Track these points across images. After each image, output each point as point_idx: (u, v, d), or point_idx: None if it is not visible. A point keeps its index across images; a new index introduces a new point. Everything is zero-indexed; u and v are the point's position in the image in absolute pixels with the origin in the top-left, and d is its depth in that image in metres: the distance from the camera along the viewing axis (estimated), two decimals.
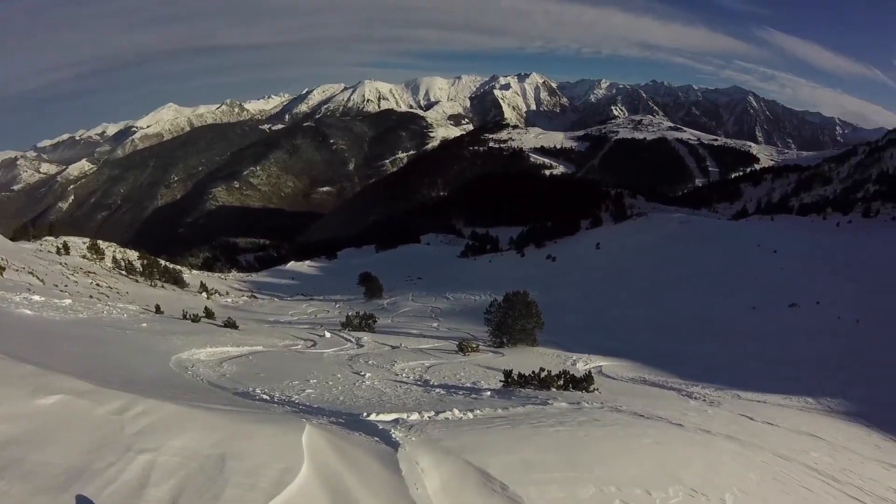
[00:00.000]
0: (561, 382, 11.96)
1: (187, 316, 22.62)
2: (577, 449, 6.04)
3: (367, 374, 12.38)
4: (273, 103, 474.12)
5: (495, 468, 4.98)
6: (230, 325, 21.54)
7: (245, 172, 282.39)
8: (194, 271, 57.15)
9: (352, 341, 20.54)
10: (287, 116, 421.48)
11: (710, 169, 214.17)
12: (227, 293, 44.21)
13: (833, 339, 24.08)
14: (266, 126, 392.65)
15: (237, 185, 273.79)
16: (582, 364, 19.05)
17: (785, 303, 30.18)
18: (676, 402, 12.59)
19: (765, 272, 37.26)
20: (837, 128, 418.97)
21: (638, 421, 8.35)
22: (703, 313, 30.51)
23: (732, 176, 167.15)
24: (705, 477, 6.00)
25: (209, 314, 24.82)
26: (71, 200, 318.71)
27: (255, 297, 44.37)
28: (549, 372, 12.06)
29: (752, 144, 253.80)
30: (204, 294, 40.03)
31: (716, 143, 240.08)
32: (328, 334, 21.98)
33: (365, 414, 6.92)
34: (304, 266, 69.18)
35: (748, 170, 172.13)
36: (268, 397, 8.84)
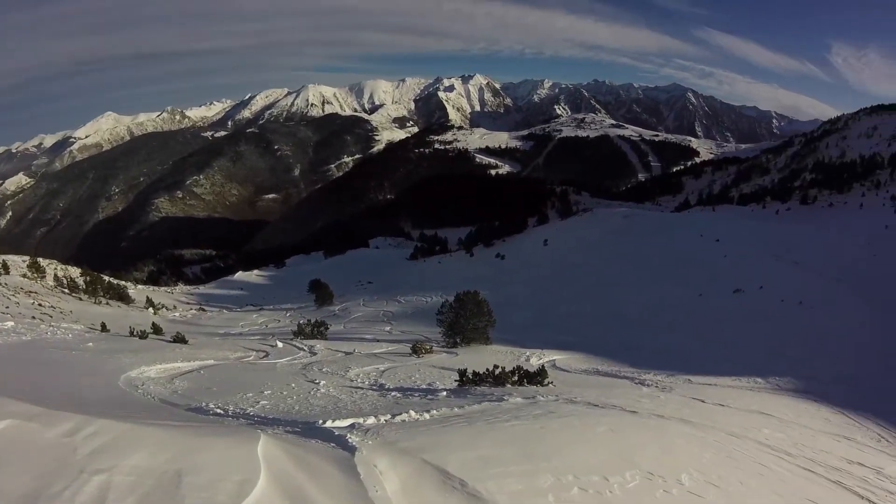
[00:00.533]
0: (515, 378, 12.05)
1: (134, 333, 22.04)
2: (533, 441, 6.07)
3: (322, 382, 12.24)
4: (215, 110, 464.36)
5: (453, 465, 4.97)
6: (179, 339, 21.06)
7: (188, 182, 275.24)
8: (139, 286, 55.72)
9: (305, 350, 20.29)
10: (230, 123, 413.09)
11: (652, 164, 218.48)
12: (175, 307, 43.21)
13: (778, 322, 24.86)
14: (209, 133, 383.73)
15: (180, 195, 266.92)
16: (535, 359, 19.20)
17: (730, 289, 31.00)
18: (630, 390, 12.79)
19: (709, 261, 38.24)
20: (774, 121, 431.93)
21: (592, 410, 8.44)
22: (651, 303, 31.12)
23: (674, 170, 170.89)
24: (661, 460, 6.08)
25: (157, 330, 24.20)
26: (9, 217, 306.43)
27: (203, 309, 43.46)
28: (504, 369, 12.14)
29: (692, 139, 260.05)
30: (151, 309, 38.99)
31: (657, 139, 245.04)
32: (280, 344, 21.68)
33: (321, 421, 6.86)
34: (253, 276, 68.11)
35: (689, 163, 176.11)
36: (222, 411, 8.70)
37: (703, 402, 11.30)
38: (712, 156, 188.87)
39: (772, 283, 30.74)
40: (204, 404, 9.30)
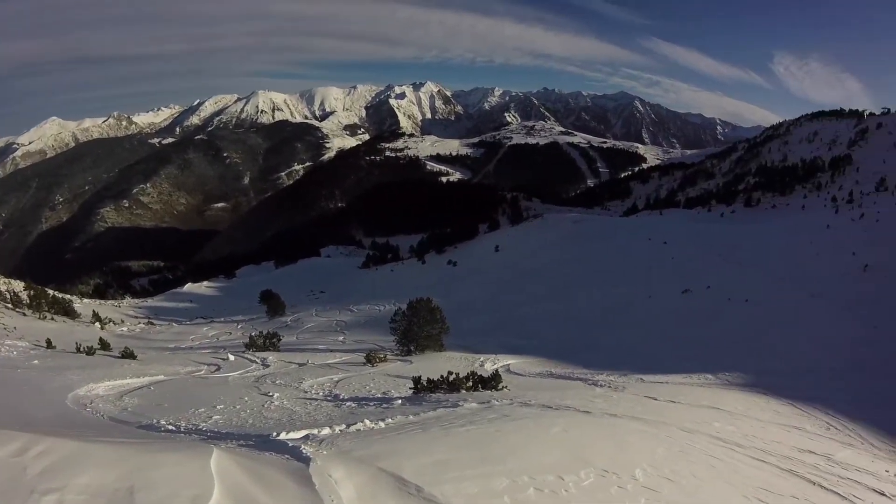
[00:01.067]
0: (470, 384, 12.04)
1: (81, 349, 21.32)
2: (488, 445, 6.12)
3: (276, 395, 12.04)
4: (163, 116, 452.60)
5: (409, 472, 4.98)
6: (128, 355, 20.46)
7: (135, 190, 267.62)
8: (86, 300, 53.88)
9: (257, 362, 19.94)
10: (178, 129, 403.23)
11: (600, 170, 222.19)
12: (123, 321, 41.98)
13: (725, 319, 25.51)
14: (156, 140, 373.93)
15: (127, 205, 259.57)
16: (490, 364, 19.24)
17: (678, 289, 31.63)
18: (583, 391, 12.89)
19: (657, 263, 39.03)
20: (718, 127, 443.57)
21: (547, 412, 8.50)
22: (602, 305, 31.58)
23: (622, 175, 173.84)
24: (615, 457, 6.16)
25: (105, 345, 23.46)
26: None
27: (152, 323, 42.29)
28: (458, 375, 12.11)
29: (640, 145, 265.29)
30: (98, 324, 37.79)
31: (605, 146, 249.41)
32: (232, 357, 21.24)
33: (275, 434, 6.82)
34: (202, 287, 66.75)
35: (636, 169, 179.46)
36: (174, 428, 8.53)
37: (655, 399, 11.46)
38: (659, 161, 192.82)
39: (719, 283, 31.50)
40: (155, 421, 9.12)
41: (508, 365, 19.38)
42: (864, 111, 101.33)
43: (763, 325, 23.72)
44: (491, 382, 12.24)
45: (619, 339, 24.38)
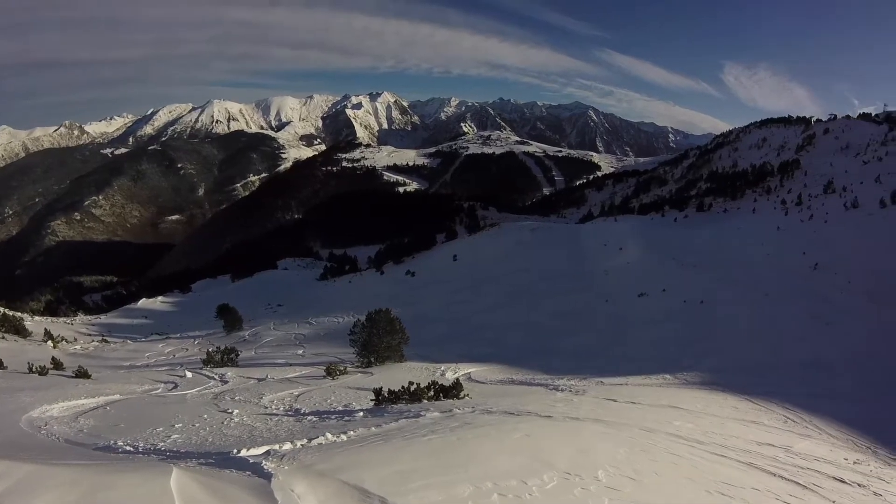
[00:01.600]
0: (431, 393, 12.04)
1: (34, 369, 20.73)
2: (451, 453, 6.14)
3: (235, 411, 11.85)
4: (116, 125, 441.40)
5: (371, 483, 4.97)
6: (82, 374, 19.94)
7: (87, 202, 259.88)
8: (37, 317, 52.27)
9: (215, 378, 19.58)
10: (131, 139, 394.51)
11: (556, 178, 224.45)
12: (76, 339, 40.83)
13: (681, 321, 26.02)
14: (108, 150, 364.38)
15: (78, 217, 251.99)
16: (451, 373, 19.20)
17: (634, 293, 32.15)
18: (544, 396, 12.95)
19: (614, 268, 39.65)
20: (670, 135, 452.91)
21: (508, 419, 8.56)
22: (561, 311, 31.89)
23: (577, 183, 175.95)
24: (577, 460, 6.20)
25: (58, 365, 22.85)
26: None
27: (106, 341, 41.22)
28: (419, 385, 12.11)
29: (594, 154, 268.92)
30: (50, 343, 36.66)
31: (560, 155, 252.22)
32: (189, 374, 20.83)
33: (235, 451, 6.71)
34: (157, 302, 65.36)
35: (591, 177, 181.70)
36: (132, 448, 8.36)
37: (615, 401, 11.60)
38: (613, 169, 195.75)
39: (674, 286, 32.11)
40: (112, 442, 8.94)
41: (469, 373, 19.39)
42: (811, 118, 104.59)
43: (719, 325, 24.30)
44: (452, 391, 12.25)
45: (578, 344, 24.66)
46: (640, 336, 24.52)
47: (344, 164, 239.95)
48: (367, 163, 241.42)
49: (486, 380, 18.00)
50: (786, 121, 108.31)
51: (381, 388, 12.15)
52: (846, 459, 8.93)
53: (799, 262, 34.00)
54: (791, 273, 32.21)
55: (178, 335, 42.66)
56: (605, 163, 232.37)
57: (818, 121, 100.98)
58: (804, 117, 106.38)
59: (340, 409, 12.04)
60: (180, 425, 10.45)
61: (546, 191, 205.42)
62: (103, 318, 57.05)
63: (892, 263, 31.11)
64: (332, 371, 19.14)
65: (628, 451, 6.85)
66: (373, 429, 7.97)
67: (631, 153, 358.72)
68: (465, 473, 5.41)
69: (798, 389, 14.39)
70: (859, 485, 7.46)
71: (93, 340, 41.35)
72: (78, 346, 37.71)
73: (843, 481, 7.49)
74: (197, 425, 10.44)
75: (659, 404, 11.51)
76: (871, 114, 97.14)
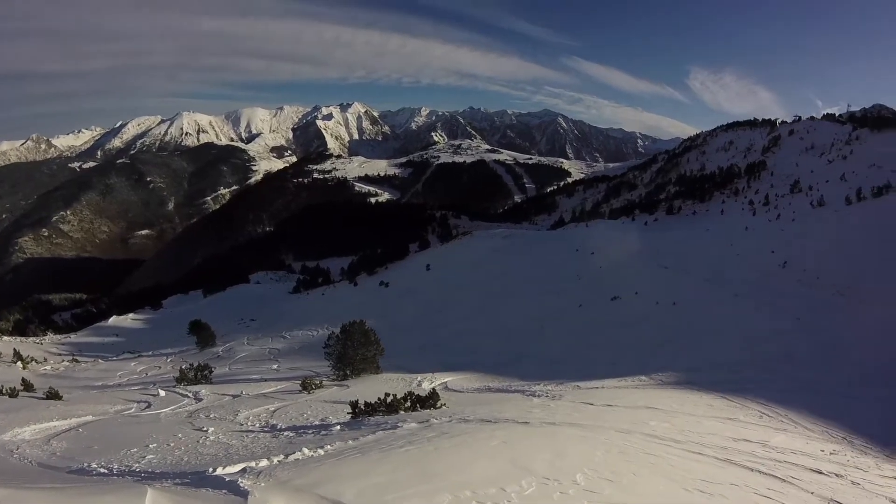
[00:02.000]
0: (408, 404, 12.00)
1: (3, 391, 20.24)
2: (429, 463, 6.15)
3: (210, 429, 11.66)
4: (84, 138, 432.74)
5: (349, 496, 4.96)
6: (53, 396, 19.50)
7: (55, 218, 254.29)
8: (6, 338, 51.13)
9: (189, 396, 19.26)
10: (99, 153, 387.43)
11: (527, 185, 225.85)
12: (46, 359, 39.98)
13: (654, 322, 26.30)
14: (76, 164, 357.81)
15: (46, 234, 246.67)
16: (427, 383, 19.15)
17: (608, 297, 32.40)
18: (521, 403, 12.98)
19: (586, 272, 39.94)
20: (638, 141, 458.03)
21: (485, 426, 8.60)
22: (535, 316, 32.02)
23: (548, 190, 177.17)
24: (555, 464, 6.22)
25: (28, 386, 22.31)
26: None
27: (77, 360, 40.41)
28: (395, 396, 12.07)
29: (564, 161, 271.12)
30: (19, 363, 35.90)
31: (531, 162, 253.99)
32: (163, 392, 20.46)
33: (211, 469, 6.67)
34: (128, 320, 64.33)
35: (562, 183, 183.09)
36: (106, 470, 8.18)
37: (591, 405, 11.68)
38: (583, 175, 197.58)
39: (646, 288, 32.46)
40: (86, 464, 8.74)
41: (446, 382, 19.36)
42: (776, 120, 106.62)
43: (691, 325, 24.60)
44: (429, 401, 12.23)
45: (553, 349, 24.77)
46: (615, 339, 24.72)
47: (315, 175, 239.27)
48: (338, 174, 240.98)
49: (463, 388, 17.98)
50: (751, 123, 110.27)
51: (357, 401, 12.07)
52: (822, 451, 9.06)
53: (768, 260, 34.60)
54: (760, 272, 32.77)
55: (151, 353, 42.01)
56: (576, 169, 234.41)
57: (783, 122, 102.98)
58: (769, 119, 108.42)
59: (317, 423, 11.91)
60: (155, 445, 10.24)
61: (517, 198, 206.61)
62: (73, 337, 56.07)
63: (859, 259, 31.74)
64: (307, 385, 18.94)
65: (605, 454, 6.91)
66: (350, 442, 7.93)
67: (600, 159, 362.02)
68: (443, 483, 5.41)
69: (772, 385, 14.60)
70: (837, 475, 7.57)
71: (63, 360, 40.59)
72: (48, 367, 36.97)
73: (820, 472, 7.59)
74: (172, 445, 10.24)
75: (635, 405, 11.60)
76: (835, 114, 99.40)
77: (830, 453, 9.00)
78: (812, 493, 6.61)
